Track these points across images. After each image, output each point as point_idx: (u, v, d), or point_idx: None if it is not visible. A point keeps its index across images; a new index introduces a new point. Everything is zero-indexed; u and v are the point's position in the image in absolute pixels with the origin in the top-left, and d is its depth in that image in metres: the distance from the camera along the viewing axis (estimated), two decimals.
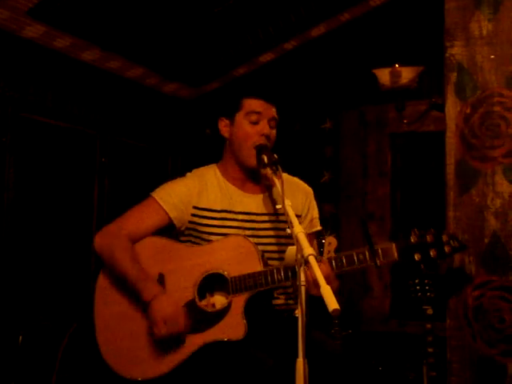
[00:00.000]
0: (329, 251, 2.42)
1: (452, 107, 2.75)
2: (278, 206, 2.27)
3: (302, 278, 1.83)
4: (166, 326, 2.29)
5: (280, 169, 2.36)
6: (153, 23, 4.07)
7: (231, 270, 2.36)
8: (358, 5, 4.60)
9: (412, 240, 2.31)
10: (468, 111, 2.72)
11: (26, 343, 3.57)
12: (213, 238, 2.47)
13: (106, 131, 4.52)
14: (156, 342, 2.35)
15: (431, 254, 2.28)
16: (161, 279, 2.42)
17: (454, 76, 2.75)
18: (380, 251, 2.28)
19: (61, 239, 4.14)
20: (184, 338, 2.33)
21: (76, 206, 4.27)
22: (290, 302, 2.52)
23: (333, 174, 5.09)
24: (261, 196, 2.57)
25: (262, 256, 2.38)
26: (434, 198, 4.06)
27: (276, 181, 2.34)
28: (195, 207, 2.52)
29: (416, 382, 4.17)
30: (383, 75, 4.45)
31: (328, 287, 1.76)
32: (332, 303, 1.70)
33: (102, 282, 2.49)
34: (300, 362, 1.74)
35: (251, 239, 2.40)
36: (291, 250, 2.23)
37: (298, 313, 1.81)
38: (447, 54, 2.78)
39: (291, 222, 2.06)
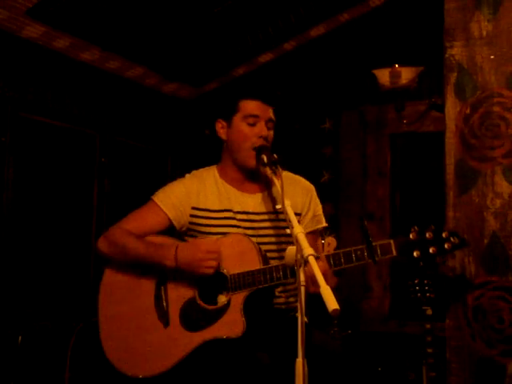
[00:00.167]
0: (328, 251, 2.42)
1: (452, 107, 2.75)
2: (278, 206, 2.28)
3: (302, 278, 1.83)
4: (207, 255, 2.32)
5: (280, 168, 2.37)
6: (152, 23, 4.07)
7: (230, 268, 2.37)
8: (358, 5, 4.59)
9: (411, 237, 2.29)
10: (468, 111, 2.71)
11: (26, 343, 3.58)
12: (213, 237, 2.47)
13: (105, 131, 4.52)
14: (156, 340, 2.37)
15: (430, 250, 2.26)
16: (162, 277, 2.44)
17: (453, 76, 2.75)
18: (378, 247, 2.27)
19: (60, 239, 4.13)
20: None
21: (76, 206, 4.27)
22: (291, 299, 2.53)
23: (332, 175, 5.08)
24: (260, 195, 2.58)
25: (262, 254, 2.39)
26: (434, 198, 4.05)
27: (276, 181, 2.34)
28: (194, 208, 2.53)
29: (415, 382, 4.17)
30: (383, 75, 4.45)
31: (328, 287, 1.75)
32: (332, 303, 1.70)
33: (107, 279, 2.52)
34: (299, 361, 1.74)
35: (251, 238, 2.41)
36: (291, 249, 2.22)
37: (299, 313, 1.81)
38: (447, 55, 2.77)
39: (291, 223, 2.06)
